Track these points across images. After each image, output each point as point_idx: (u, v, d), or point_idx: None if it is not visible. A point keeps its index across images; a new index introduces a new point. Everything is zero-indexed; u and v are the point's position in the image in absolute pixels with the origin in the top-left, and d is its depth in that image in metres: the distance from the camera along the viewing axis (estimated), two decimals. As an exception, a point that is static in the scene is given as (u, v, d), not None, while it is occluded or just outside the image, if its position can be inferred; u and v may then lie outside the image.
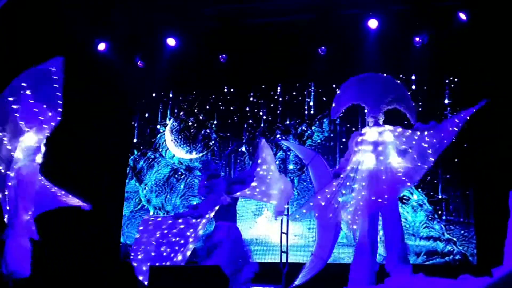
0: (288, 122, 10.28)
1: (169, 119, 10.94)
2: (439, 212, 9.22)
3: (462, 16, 8.92)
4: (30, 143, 7.13)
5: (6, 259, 6.88)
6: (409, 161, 6.38)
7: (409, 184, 6.49)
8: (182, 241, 6.36)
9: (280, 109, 10.38)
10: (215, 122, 10.69)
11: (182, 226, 6.47)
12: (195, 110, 10.85)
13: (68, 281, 9.05)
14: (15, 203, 6.96)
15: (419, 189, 9.35)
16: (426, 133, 6.42)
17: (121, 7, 9.86)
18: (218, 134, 10.63)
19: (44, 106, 7.08)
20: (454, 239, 9.04)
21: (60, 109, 7.10)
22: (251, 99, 10.57)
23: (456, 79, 9.57)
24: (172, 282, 5.29)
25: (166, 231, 6.50)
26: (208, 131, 10.68)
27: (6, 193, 6.97)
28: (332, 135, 10.02)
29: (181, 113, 10.91)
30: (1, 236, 6.95)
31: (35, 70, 7.24)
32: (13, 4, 8.10)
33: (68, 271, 9.02)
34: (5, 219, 6.99)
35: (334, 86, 10.13)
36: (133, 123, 11.08)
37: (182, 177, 10.53)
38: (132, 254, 6.45)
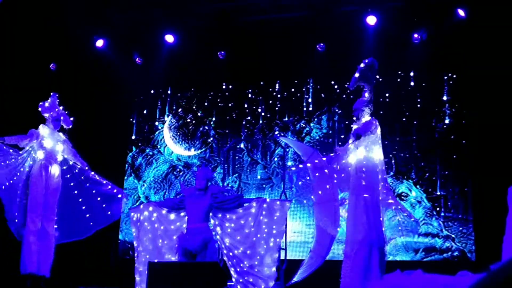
0: (286, 119, 10.28)
1: (168, 116, 10.93)
2: (438, 209, 9.22)
3: (461, 12, 8.91)
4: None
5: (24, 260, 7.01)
6: None
7: None
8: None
9: (279, 105, 10.37)
10: (213, 118, 10.68)
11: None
12: (194, 107, 10.83)
13: (67, 278, 9.05)
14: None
15: (418, 186, 9.37)
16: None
17: (119, 4, 9.85)
18: (216, 131, 10.62)
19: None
20: (453, 235, 9.05)
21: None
22: (250, 95, 10.56)
23: (454, 76, 9.57)
24: (171, 278, 5.30)
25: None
26: (206, 127, 10.67)
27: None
28: (330, 131, 10.02)
29: (180, 109, 10.89)
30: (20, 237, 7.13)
31: None
32: (11, 1, 8.10)
33: (66, 268, 9.01)
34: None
35: (332, 82, 10.15)
36: (131, 119, 11.07)
37: (181, 173, 10.53)
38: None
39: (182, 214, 6.86)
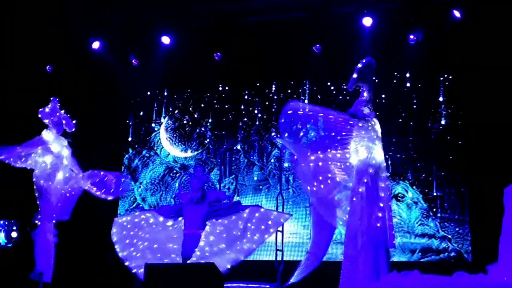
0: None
1: (164, 118, 10.92)
2: (434, 210, 9.24)
3: (457, 13, 8.94)
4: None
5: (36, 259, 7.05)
6: None
7: None
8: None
9: (275, 107, 10.37)
10: (210, 120, 10.68)
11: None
12: (190, 109, 10.83)
13: (62, 280, 9.03)
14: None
15: (414, 187, 9.38)
16: None
17: (116, 5, 9.84)
18: (213, 132, 10.62)
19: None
20: (449, 236, 9.06)
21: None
22: (246, 97, 10.57)
23: (450, 77, 9.59)
24: (167, 280, 5.29)
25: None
26: (203, 129, 10.67)
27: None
28: (327, 133, 10.01)
29: (176, 111, 10.89)
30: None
31: None
32: (9, 2, 8.10)
33: (62, 270, 9.00)
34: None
35: (328, 84, 10.15)
36: (127, 121, 11.05)
37: (177, 175, 10.52)
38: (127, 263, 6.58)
39: (180, 218, 6.84)
